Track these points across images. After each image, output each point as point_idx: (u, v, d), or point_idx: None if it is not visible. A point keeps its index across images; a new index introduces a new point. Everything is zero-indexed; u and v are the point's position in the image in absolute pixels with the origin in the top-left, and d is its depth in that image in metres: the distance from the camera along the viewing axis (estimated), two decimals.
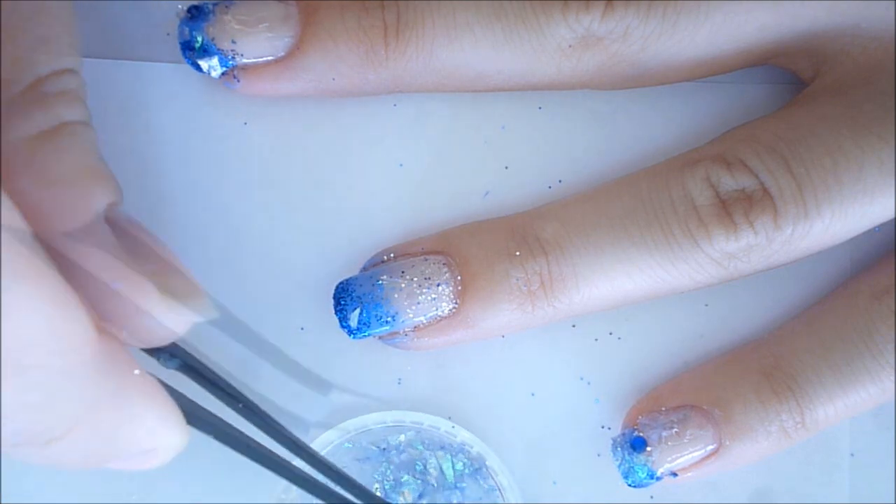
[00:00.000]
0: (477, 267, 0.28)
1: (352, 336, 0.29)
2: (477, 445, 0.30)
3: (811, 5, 0.28)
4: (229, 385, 0.27)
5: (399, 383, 0.30)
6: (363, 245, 0.30)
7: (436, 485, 0.30)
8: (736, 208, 0.27)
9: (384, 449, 0.30)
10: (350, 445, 0.30)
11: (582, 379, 0.31)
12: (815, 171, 0.27)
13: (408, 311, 0.28)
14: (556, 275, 0.28)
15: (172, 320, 0.22)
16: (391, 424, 0.30)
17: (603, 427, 0.31)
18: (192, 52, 0.28)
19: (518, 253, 0.28)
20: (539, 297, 0.28)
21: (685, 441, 0.28)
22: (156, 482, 0.30)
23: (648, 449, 0.28)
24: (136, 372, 0.22)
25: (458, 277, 0.28)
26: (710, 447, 0.28)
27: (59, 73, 0.24)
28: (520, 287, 0.28)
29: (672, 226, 0.27)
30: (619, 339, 0.31)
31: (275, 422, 0.27)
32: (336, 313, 0.29)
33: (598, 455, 0.31)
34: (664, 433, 0.29)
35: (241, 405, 0.27)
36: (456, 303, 0.28)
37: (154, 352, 0.25)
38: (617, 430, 0.30)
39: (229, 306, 0.30)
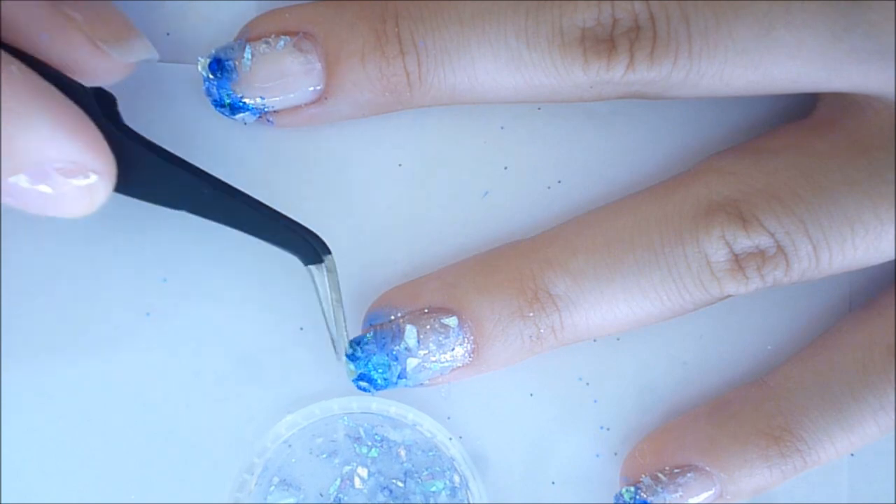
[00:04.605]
0: (491, 329, 0.28)
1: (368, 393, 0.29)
2: (466, 465, 0.30)
3: (833, 86, 0.27)
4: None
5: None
6: (363, 245, 0.31)
7: (402, 487, 0.30)
8: (749, 264, 0.27)
9: (376, 436, 0.30)
10: (346, 420, 0.30)
11: (580, 379, 0.31)
12: (833, 238, 0.27)
13: (426, 375, 0.29)
14: (567, 325, 0.28)
15: (106, 63, 0.24)
16: (392, 415, 0.30)
17: (602, 427, 0.31)
18: (223, 107, 0.29)
19: (531, 314, 0.28)
20: (549, 341, 0.29)
21: (688, 502, 0.29)
22: (154, 482, 0.30)
23: None
24: (14, 69, 0.22)
25: (472, 338, 0.28)
26: (713, 500, 0.29)
27: None
28: (532, 339, 0.29)
29: (686, 281, 0.28)
30: (617, 339, 0.31)
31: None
32: (353, 381, 0.29)
33: (598, 455, 0.31)
34: (668, 497, 0.29)
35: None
36: (470, 358, 0.29)
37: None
38: (616, 431, 0.31)
39: (229, 306, 0.30)
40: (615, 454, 0.31)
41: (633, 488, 0.29)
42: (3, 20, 0.23)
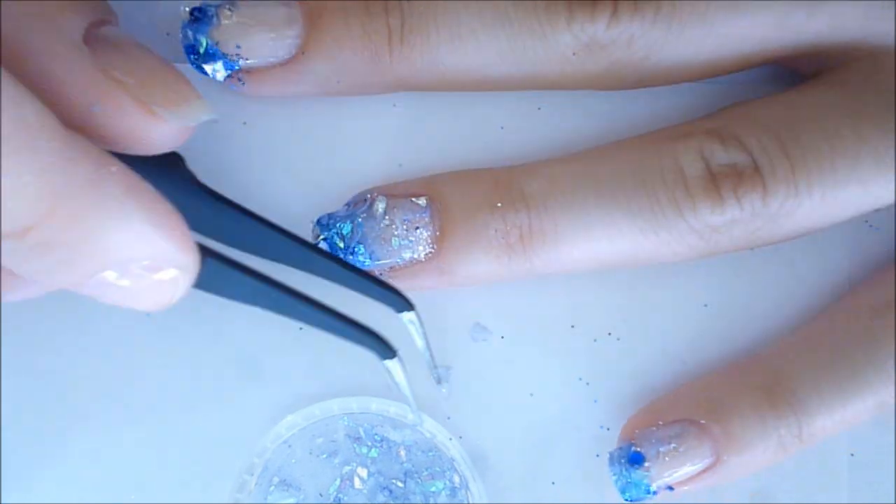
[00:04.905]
0: (457, 214, 0.28)
1: None
2: (466, 465, 0.30)
3: (816, 21, 0.28)
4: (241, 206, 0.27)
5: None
6: None
7: (402, 487, 0.30)
8: (725, 182, 0.27)
9: (376, 436, 0.30)
10: (348, 420, 0.30)
11: (581, 379, 0.31)
12: (811, 154, 0.27)
13: (385, 251, 0.28)
14: (535, 229, 0.28)
15: (159, 130, 0.23)
16: (392, 415, 0.30)
17: (602, 427, 0.31)
18: (197, 55, 0.28)
19: (500, 204, 0.28)
20: (517, 251, 0.28)
21: (683, 456, 0.28)
22: (154, 482, 0.30)
23: (646, 464, 0.28)
24: (114, 169, 0.21)
25: (438, 223, 0.28)
26: (708, 462, 0.28)
27: None
28: (498, 238, 0.28)
29: (659, 194, 0.27)
30: (617, 339, 0.31)
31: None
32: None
33: (598, 455, 0.31)
34: (662, 448, 0.28)
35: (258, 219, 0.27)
36: (433, 248, 0.28)
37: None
38: (616, 431, 0.30)
39: (229, 306, 0.30)
40: None
41: (626, 444, 0.29)
42: (51, 94, 0.21)
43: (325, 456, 0.30)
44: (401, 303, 0.28)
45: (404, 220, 0.28)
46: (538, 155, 0.31)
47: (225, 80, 0.28)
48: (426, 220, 0.28)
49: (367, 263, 0.28)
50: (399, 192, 0.29)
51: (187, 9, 0.28)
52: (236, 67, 0.28)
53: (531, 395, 0.31)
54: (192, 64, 0.28)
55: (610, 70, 0.28)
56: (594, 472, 0.31)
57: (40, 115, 0.19)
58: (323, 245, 0.28)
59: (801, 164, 0.27)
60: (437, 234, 0.28)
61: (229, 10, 0.28)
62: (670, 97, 0.31)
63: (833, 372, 0.28)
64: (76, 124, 0.22)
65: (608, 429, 0.31)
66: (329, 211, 0.30)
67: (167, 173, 0.25)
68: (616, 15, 0.27)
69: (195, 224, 0.25)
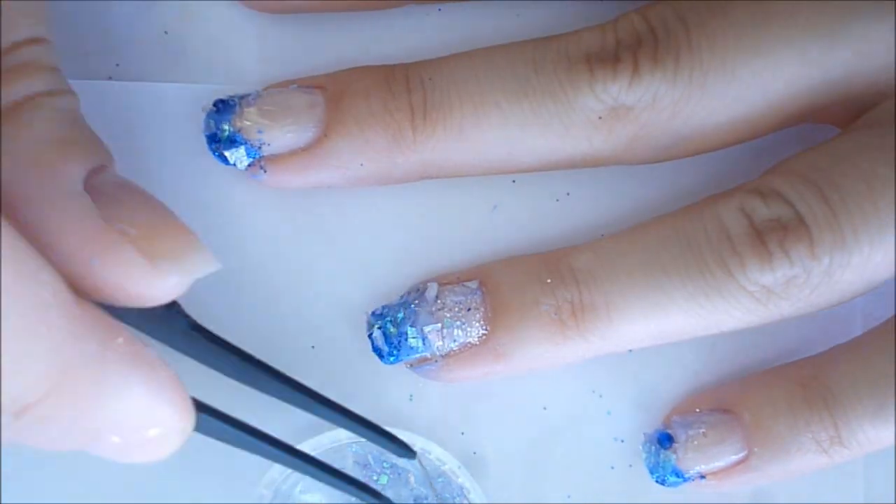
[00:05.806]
0: (507, 293, 0.28)
1: (383, 361, 0.29)
2: (476, 493, 0.30)
3: (838, 52, 0.27)
4: (239, 349, 0.26)
5: (411, 399, 0.30)
6: (371, 259, 0.31)
7: None
8: (770, 237, 0.26)
9: (385, 463, 0.30)
10: (356, 448, 0.30)
11: (594, 392, 0.31)
12: (849, 196, 0.26)
13: (436, 333, 0.28)
14: (587, 303, 0.28)
15: (161, 284, 0.21)
16: None
17: (616, 439, 0.31)
18: (219, 143, 0.28)
19: (549, 280, 0.28)
20: (570, 327, 0.28)
21: (711, 441, 0.29)
22: (148, 482, 0.30)
23: (675, 445, 0.29)
24: (120, 340, 0.20)
25: (489, 303, 0.28)
26: (739, 451, 0.28)
27: (17, 45, 0.23)
28: (549, 315, 0.28)
29: (705, 255, 0.27)
30: (630, 350, 0.31)
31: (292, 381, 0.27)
32: (369, 338, 0.29)
33: (612, 468, 0.31)
34: (691, 432, 0.29)
35: (255, 361, 0.26)
36: (486, 329, 0.28)
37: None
38: (630, 443, 0.31)
39: (239, 326, 0.30)
40: (630, 466, 0.31)
41: (662, 427, 0.30)
42: (48, 246, 0.20)
43: None
44: (402, 450, 0.29)
45: (456, 303, 0.28)
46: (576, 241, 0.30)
47: (247, 168, 0.28)
48: (477, 300, 0.28)
49: (419, 347, 0.28)
50: (450, 280, 0.29)
51: (210, 101, 0.28)
52: (259, 155, 0.28)
53: (544, 408, 0.31)
54: (214, 153, 0.28)
55: (638, 135, 0.28)
56: (610, 485, 0.31)
57: (55, 288, 0.19)
58: (377, 335, 0.29)
59: (842, 207, 0.26)
60: (489, 314, 0.28)
61: (251, 99, 0.28)
62: (707, 172, 0.31)
63: (872, 373, 0.27)
64: (72, 279, 0.20)
65: (622, 441, 0.31)
66: (337, 223, 0.30)
67: (162, 316, 0.24)
68: (637, 71, 0.27)
69: (195, 357, 0.25)
